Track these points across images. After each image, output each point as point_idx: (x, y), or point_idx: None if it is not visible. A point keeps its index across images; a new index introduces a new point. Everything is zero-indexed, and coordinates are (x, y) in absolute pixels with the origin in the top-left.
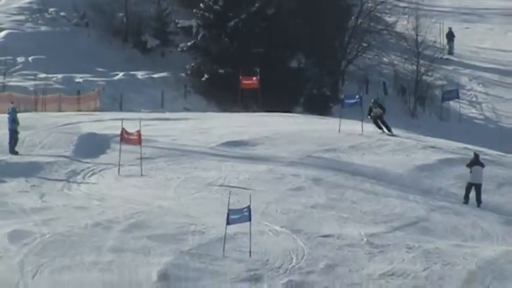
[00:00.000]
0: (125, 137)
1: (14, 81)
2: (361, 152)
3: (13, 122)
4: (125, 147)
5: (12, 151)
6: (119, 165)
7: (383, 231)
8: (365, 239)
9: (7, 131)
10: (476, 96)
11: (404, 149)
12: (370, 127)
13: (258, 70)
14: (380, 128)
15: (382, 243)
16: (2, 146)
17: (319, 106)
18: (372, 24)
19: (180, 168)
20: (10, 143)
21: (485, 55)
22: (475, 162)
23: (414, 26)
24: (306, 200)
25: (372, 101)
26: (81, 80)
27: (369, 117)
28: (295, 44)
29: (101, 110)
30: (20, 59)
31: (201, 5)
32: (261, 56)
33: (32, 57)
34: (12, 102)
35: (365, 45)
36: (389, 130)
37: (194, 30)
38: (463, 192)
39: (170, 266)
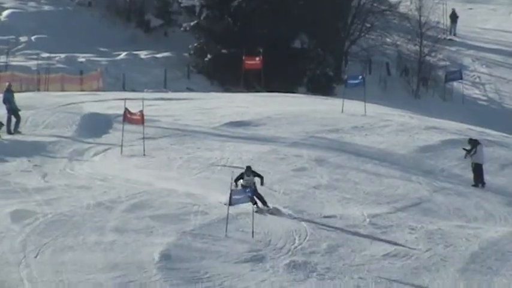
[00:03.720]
0: (127, 117)
1: (16, 61)
2: (364, 132)
3: (7, 103)
4: (127, 127)
5: (9, 131)
6: (122, 145)
7: (386, 212)
8: (368, 220)
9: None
10: (479, 77)
11: (407, 130)
12: (373, 107)
13: (261, 50)
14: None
15: (385, 224)
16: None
17: (322, 86)
18: (375, 4)
19: (183, 148)
20: (6, 123)
21: (489, 36)
22: (476, 142)
23: (417, 6)
24: (308, 181)
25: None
26: (83, 59)
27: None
28: (299, 25)
29: (104, 89)
30: (22, 39)
31: None
32: (264, 36)
33: (34, 36)
34: (8, 82)
35: (368, 25)
36: (264, 204)
37: (197, 10)
38: (465, 173)
39: (172, 246)
